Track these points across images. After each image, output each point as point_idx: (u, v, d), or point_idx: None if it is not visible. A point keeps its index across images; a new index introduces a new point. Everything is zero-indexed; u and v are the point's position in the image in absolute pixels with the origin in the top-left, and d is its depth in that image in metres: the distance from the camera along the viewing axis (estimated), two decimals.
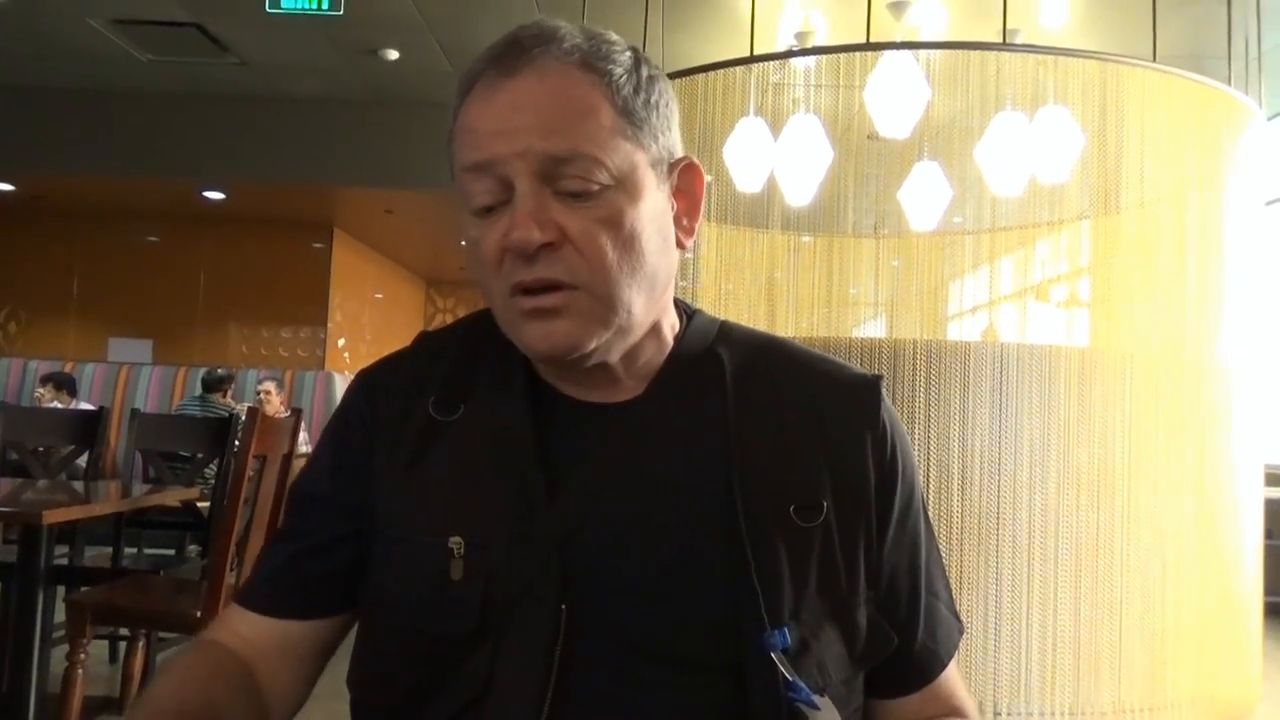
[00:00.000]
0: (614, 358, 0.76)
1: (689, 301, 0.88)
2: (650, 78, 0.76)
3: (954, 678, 0.84)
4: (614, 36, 0.77)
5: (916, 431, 2.60)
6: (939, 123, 3.84)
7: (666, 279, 0.78)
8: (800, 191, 3.70)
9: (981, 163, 3.40)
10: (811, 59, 3.66)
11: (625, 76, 0.74)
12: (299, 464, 7.03)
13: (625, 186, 0.73)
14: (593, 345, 0.73)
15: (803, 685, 0.70)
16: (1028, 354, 2.73)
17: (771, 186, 3.76)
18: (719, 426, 0.77)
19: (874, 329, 4.92)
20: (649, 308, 0.76)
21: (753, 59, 3.62)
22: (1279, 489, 4.80)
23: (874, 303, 4.86)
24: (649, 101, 0.75)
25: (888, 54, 3.26)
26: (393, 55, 6.19)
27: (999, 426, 2.67)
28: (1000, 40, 3.61)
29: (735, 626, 0.71)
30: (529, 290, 0.72)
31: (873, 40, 3.55)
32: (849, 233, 4.44)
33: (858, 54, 3.37)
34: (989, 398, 2.72)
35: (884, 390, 0.83)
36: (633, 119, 0.74)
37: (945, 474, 2.61)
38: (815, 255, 4.43)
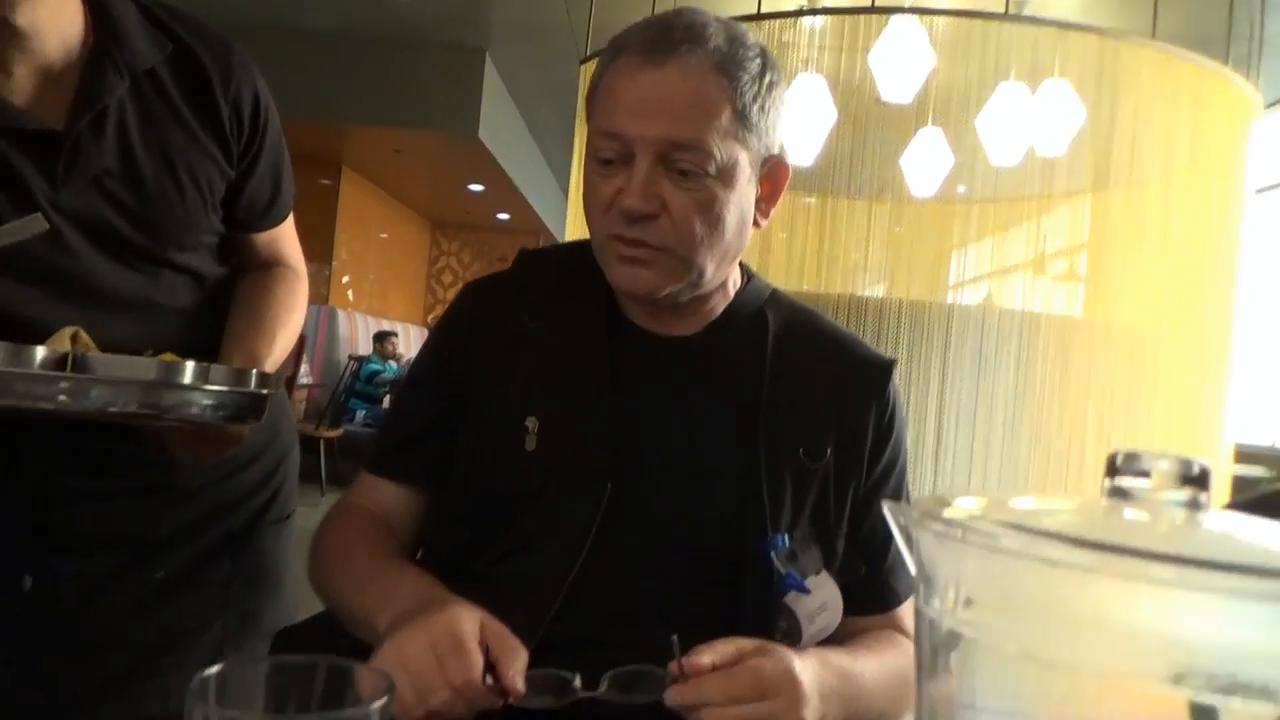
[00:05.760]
0: (683, 299, 0.93)
1: None
2: (770, 84, 0.89)
3: (906, 613, 1.00)
4: (750, 39, 0.89)
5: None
6: (944, 90, 3.88)
7: (737, 251, 0.94)
8: (803, 152, 3.76)
9: (981, 132, 3.46)
10: (819, 19, 3.70)
11: (750, 83, 0.86)
12: (300, 394, 7.08)
13: (724, 177, 0.87)
14: (665, 293, 0.90)
15: (796, 574, 0.87)
16: (1008, 318, 2.82)
17: None
18: (755, 373, 0.95)
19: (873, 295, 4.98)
20: (718, 272, 0.92)
21: (760, 16, 3.66)
22: (1248, 467, 4.91)
23: (870, 267, 4.93)
24: (763, 107, 0.88)
25: (895, 18, 3.31)
26: None
27: (976, 386, 2.77)
28: (1005, 10, 3.64)
29: (742, 529, 0.89)
30: (624, 240, 0.87)
31: (879, 4, 3.59)
32: (850, 196, 4.50)
33: (863, 16, 3.42)
34: (969, 359, 2.81)
35: (895, 373, 1.00)
36: (745, 123, 0.86)
37: (921, 429, 2.72)
38: (815, 218, 4.49)
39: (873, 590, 0.97)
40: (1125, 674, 0.25)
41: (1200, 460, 0.30)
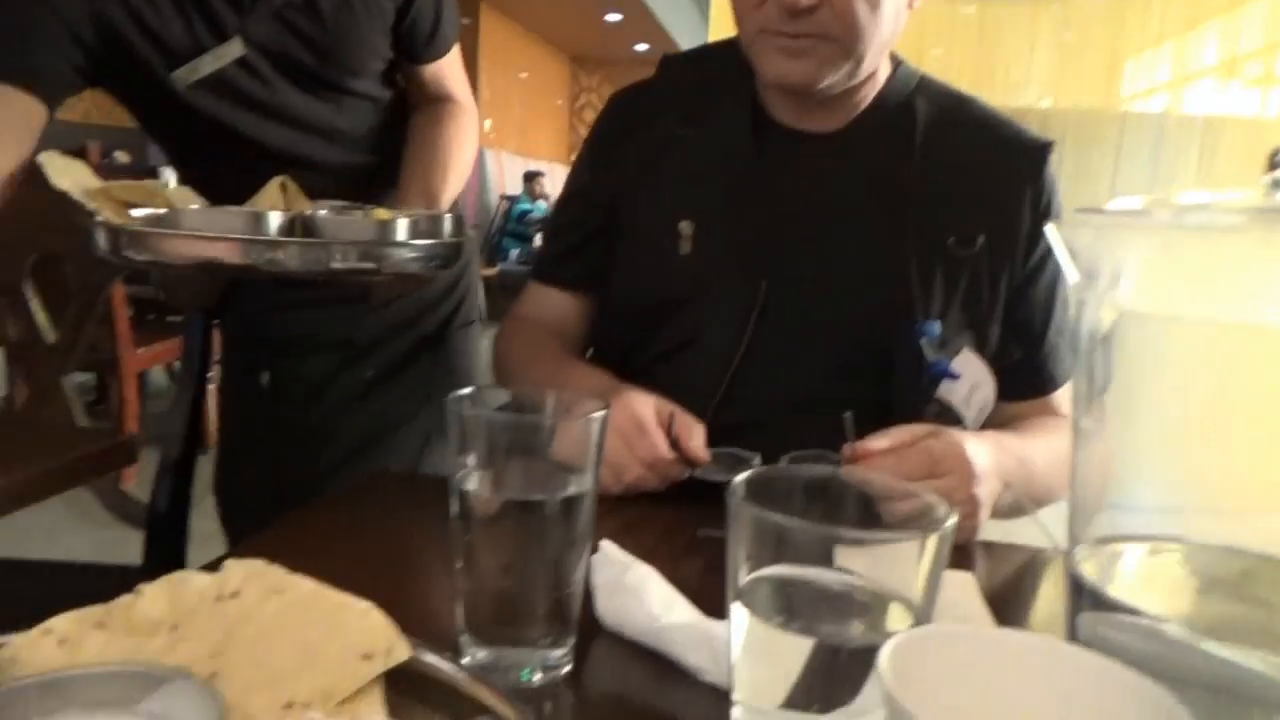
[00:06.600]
0: (835, 91, 0.91)
1: None
2: None
3: (1061, 398, 1.01)
4: None
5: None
6: None
7: (893, 38, 0.91)
8: None
9: None
10: None
11: None
12: None
13: None
14: (824, 84, 0.89)
15: (945, 361, 0.90)
16: (1189, 125, 2.63)
17: None
18: (903, 164, 0.94)
19: None
20: (872, 61, 0.90)
21: None
22: None
23: (1034, 80, 4.60)
24: None
25: None
26: None
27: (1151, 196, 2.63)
28: None
29: (893, 318, 0.91)
30: (785, 35, 0.85)
31: None
32: (1012, 1, 4.17)
33: None
34: (1145, 169, 2.66)
35: (1051, 156, 0.97)
36: None
37: None
38: (974, 29, 4.20)
39: (1029, 375, 0.98)
40: (1266, 323, 0.28)
41: None
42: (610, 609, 0.58)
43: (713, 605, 0.57)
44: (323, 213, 0.89)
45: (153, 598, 0.46)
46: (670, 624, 0.56)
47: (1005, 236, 0.94)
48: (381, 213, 0.92)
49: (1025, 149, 0.96)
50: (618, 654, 0.57)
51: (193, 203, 0.87)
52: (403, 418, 1.31)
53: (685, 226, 0.95)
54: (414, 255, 0.88)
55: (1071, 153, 2.63)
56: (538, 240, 6.88)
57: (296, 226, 0.86)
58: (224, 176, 1.18)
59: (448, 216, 0.94)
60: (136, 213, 0.84)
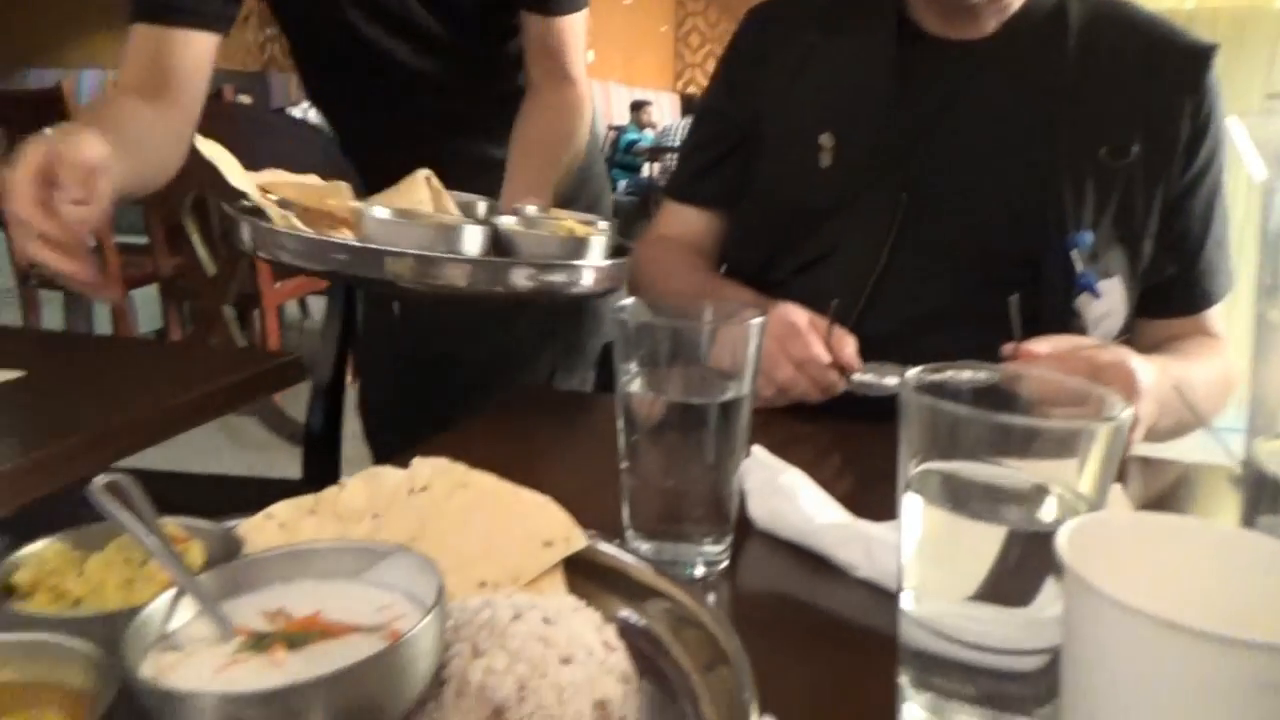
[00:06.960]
0: None
1: None
2: None
3: (1214, 317, 0.98)
4: None
5: None
6: None
7: None
8: None
9: None
10: None
11: None
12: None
13: None
14: None
15: (1092, 275, 0.88)
16: None
17: None
18: (1054, 71, 0.91)
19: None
20: None
21: None
22: None
23: None
24: None
25: None
26: None
27: None
28: None
29: (1041, 230, 0.89)
30: None
31: None
32: None
33: None
34: None
35: (1214, 61, 0.92)
36: None
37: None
38: None
39: (1184, 291, 0.95)
40: None
41: None
42: (764, 510, 0.61)
43: (864, 516, 0.59)
44: (510, 220, 0.85)
45: (354, 490, 0.51)
46: (824, 523, 0.58)
47: (1162, 146, 0.90)
48: (575, 226, 0.87)
49: (1185, 54, 0.92)
50: (772, 551, 0.59)
51: (364, 214, 0.78)
52: (527, 350, 1.35)
53: (826, 139, 0.95)
54: (594, 279, 0.81)
55: (1221, 55, 2.44)
56: (645, 170, 6.86)
57: (488, 243, 0.80)
58: (346, 90, 1.23)
59: (607, 227, 0.88)
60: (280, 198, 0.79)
